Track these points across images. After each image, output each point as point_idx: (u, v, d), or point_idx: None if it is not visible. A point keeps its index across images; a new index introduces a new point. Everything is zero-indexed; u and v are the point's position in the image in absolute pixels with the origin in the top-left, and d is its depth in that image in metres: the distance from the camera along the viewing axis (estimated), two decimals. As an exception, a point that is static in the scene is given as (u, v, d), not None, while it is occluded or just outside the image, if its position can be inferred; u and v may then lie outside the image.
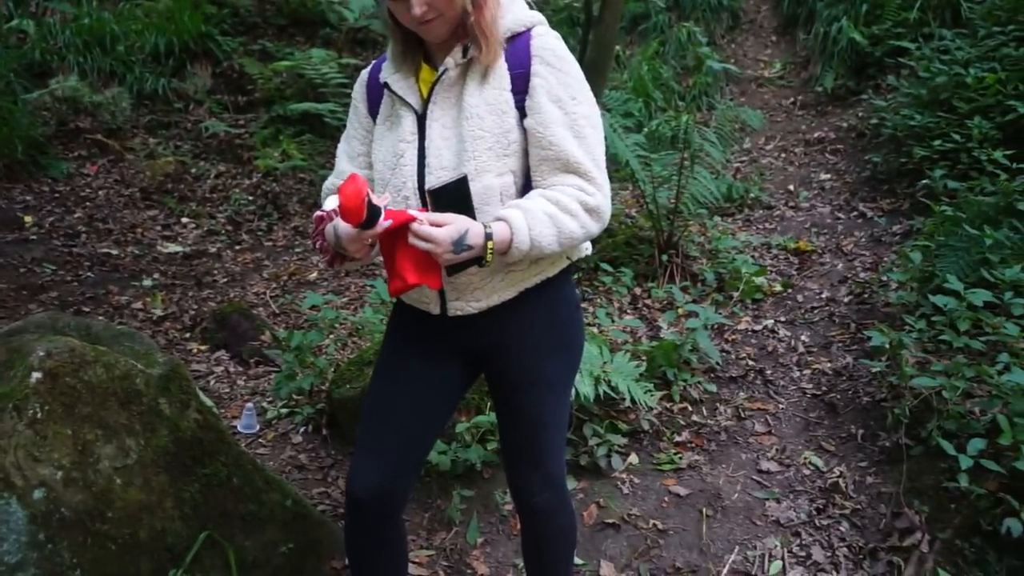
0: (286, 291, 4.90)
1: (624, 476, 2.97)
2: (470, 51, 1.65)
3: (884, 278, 4.00)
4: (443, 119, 1.69)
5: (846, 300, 3.98)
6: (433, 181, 1.64)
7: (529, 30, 1.68)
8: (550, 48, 1.66)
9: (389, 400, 1.90)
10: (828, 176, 5.51)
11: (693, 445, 3.13)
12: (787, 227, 4.97)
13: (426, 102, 1.71)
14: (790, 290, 4.21)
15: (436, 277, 1.61)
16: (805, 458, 2.98)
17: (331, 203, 1.77)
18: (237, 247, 5.56)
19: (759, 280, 4.21)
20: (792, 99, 6.85)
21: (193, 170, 6.28)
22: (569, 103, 1.65)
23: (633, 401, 3.09)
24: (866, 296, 3.92)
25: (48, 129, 6.18)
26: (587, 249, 1.89)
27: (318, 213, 1.74)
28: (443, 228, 1.53)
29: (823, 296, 4.07)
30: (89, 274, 4.88)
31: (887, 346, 2.96)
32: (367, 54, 7.79)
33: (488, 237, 1.56)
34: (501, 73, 1.66)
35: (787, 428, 3.17)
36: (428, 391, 1.88)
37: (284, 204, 6.08)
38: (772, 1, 8.15)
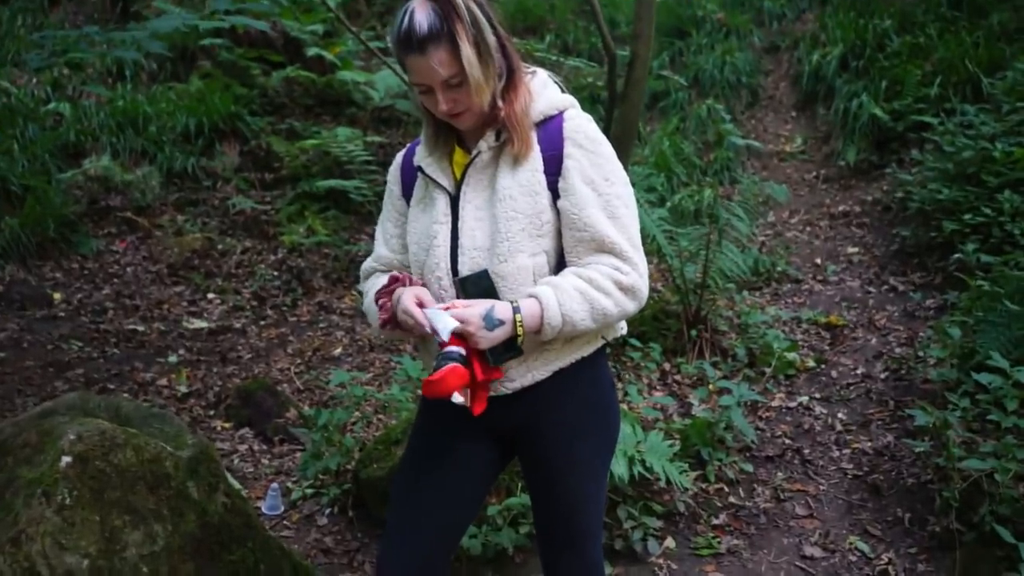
0: (310, 367, 4.87)
1: (661, 561, 2.87)
2: (503, 135, 1.66)
3: (921, 354, 3.92)
4: (476, 200, 1.70)
5: (882, 376, 3.89)
6: (466, 261, 1.65)
7: (562, 113, 1.70)
8: (582, 131, 1.67)
9: (420, 484, 1.85)
10: (855, 250, 5.47)
11: (732, 528, 3.02)
12: (816, 301, 4.91)
13: (459, 184, 1.72)
14: (823, 366, 4.13)
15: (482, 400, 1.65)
16: (851, 543, 2.86)
17: (380, 280, 1.82)
18: (262, 322, 5.56)
19: (791, 355, 4.13)
20: (815, 173, 6.87)
21: (220, 246, 6.34)
22: (602, 184, 1.66)
23: (667, 482, 3.00)
24: (903, 372, 3.83)
25: (80, 207, 6.29)
26: (622, 329, 1.86)
27: (393, 275, 1.76)
28: (470, 307, 1.55)
29: (858, 372, 3.98)
30: (115, 351, 4.88)
31: (932, 425, 2.87)
32: (391, 132, 7.94)
33: (516, 311, 1.57)
34: (534, 155, 1.67)
35: (829, 511, 3.06)
36: (460, 474, 1.83)
37: (309, 279, 6.11)
38: (790, 78, 8.25)
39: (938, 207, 4.76)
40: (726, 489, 3.24)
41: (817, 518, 3.02)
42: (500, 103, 1.65)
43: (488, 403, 1.66)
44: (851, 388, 3.86)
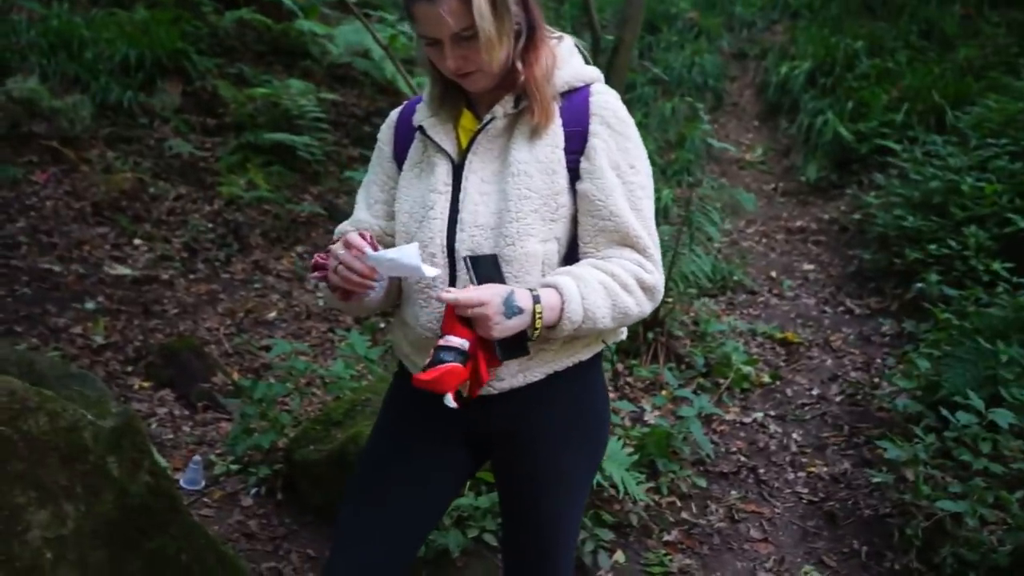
0: (242, 330, 4.55)
1: (610, 576, 2.71)
2: (523, 102, 1.45)
3: (877, 380, 3.87)
4: (483, 172, 1.49)
5: (838, 399, 3.82)
6: (465, 239, 1.45)
7: (588, 86, 1.51)
8: (611, 108, 1.49)
9: (380, 487, 1.64)
10: (811, 267, 5.43)
11: (684, 546, 2.89)
12: (772, 315, 4.84)
13: (465, 151, 1.51)
14: (778, 382, 4.05)
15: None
16: (805, 573, 2.75)
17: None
18: (191, 276, 5.18)
19: (747, 369, 4.03)
20: (774, 185, 6.84)
21: (151, 189, 5.90)
22: (628, 171, 1.48)
23: (618, 490, 2.85)
24: (859, 398, 3.77)
25: (-1, 130, 5.76)
26: (623, 333, 1.69)
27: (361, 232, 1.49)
28: (490, 289, 1.33)
29: (813, 392, 3.91)
30: (26, 290, 4.45)
31: (900, 459, 2.78)
32: (347, 91, 7.58)
33: (536, 300, 1.36)
34: (555, 129, 1.48)
35: (784, 536, 2.95)
36: (427, 479, 1.64)
37: (246, 235, 5.73)
38: (756, 87, 8.23)
39: (901, 234, 4.74)
40: (679, 503, 3.11)
41: (772, 542, 2.91)
42: (520, 65, 1.45)
43: (463, 402, 1.44)
44: (806, 408, 3.78)
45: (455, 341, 1.31)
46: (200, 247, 5.50)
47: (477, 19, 1.35)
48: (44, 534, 1.68)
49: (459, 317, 1.32)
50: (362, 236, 1.48)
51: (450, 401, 1.33)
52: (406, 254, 1.30)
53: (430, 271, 1.32)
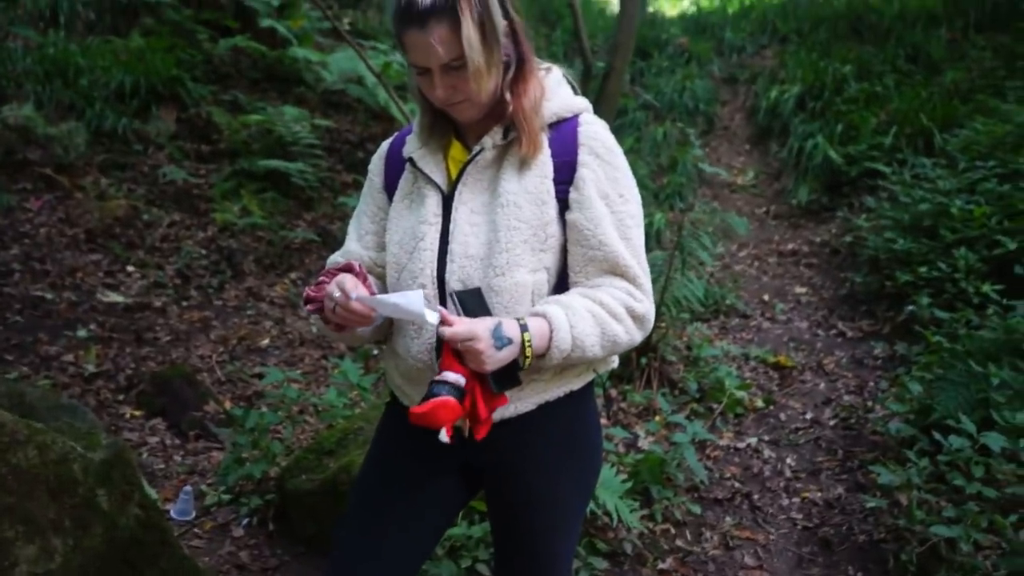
0: (234, 357, 4.54)
1: (604, 605, 2.69)
2: (511, 133, 1.46)
3: (870, 403, 3.87)
4: (472, 203, 1.50)
5: (831, 423, 3.82)
6: (455, 271, 1.45)
7: (576, 116, 1.53)
8: (600, 139, 1.51)
9: (373, 518, 1.63)
10: (803, 290, 5.45)
11: (679, 574, 2.87)
12: (764, 339, 4.84)
13: (455, 183, 1.52)
14: (772, 407, 4.04)
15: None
16: (800, 600, 2.74)
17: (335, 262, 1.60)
18: (184, 303, 5.18)
19: (740, 394, 4.03)
20: (765, 208, 6.87)
21: (145, 216, 5.90)
22: (616, 200, 1.49)
23: (612, 518, 2.84)
24: (852, 421, 3.77)
25: (-8, 157, 5.77)
26: (614, 362, 1.69)
27: (349, 262, 1.53)
28: (479, 322, 1.33)
29: (807, 417, 3.91)
30: (18, 318, 4.44)
31: (894, 484, 2.78)
32: (341, 117, 7.62)
33: (524, 329, 1.36)
34: (543, 160, 1.49)
35: (779, 563, 2.93)
36: (420, 510, 1.63)
37: (239, 262, 5.73)
38: (746, 111, 8.30)
39: (892, 256, 4.76)
40: (673, 530, 3.09)
41: (767, 569, 2.90)
42: (508, 96, 1.46)
43: (457, 434, 1.45)
44: (800, 433, 3.78)
45: (450, 376, 1.32)
46: (193, 274, 5.50)
47: (466, 49, 1.37)
48: (32, 569, 1.67)
49: (453, 353, 1.32)
50: (351, 267, 1.50)
51: (444, 436, 1.33)
52: (410, 300, 1.30)
53: (432, 317, 1.32)
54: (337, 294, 1.39)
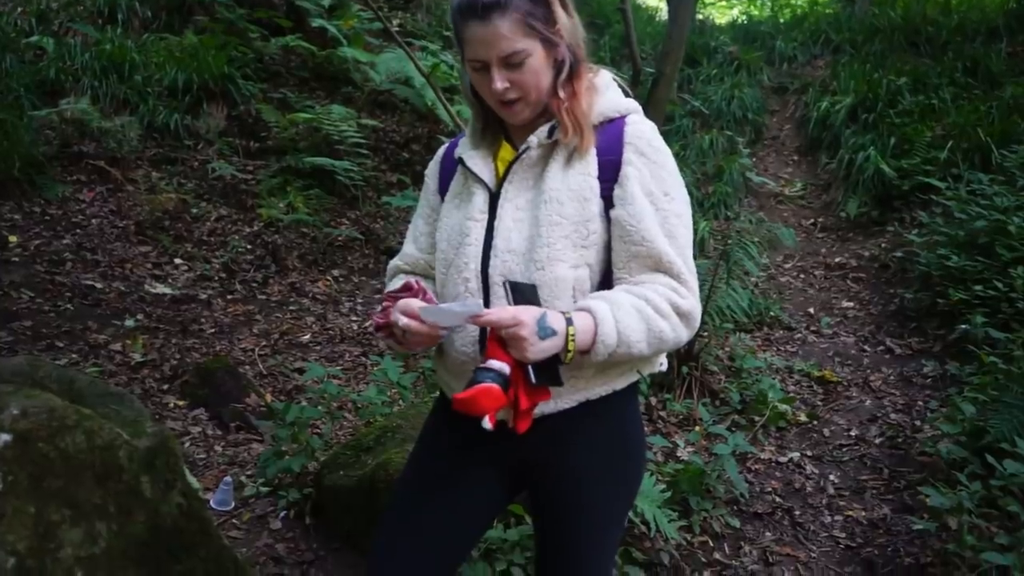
0: (276, 351, 4.58)
1: (640, 616, 2.65)
2: (556, 132, 1.46)
3: (917, 423, 3.78)
4: (517, 200, 1.51)
5: (877, 441, 3.73)
6: (497, 264, 1.47)
7: (624, 117, 1.52)
8: (646, 138, 1.50)
9: (415, 517, 1.63)
10: (851, 304, 5.34)
11: (716, 589, 2.82)
12: (809, 352, 4.75)
13: (501, 181, 1.53)
14: (815, 422, 3.96)
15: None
16: (842, 621, 2.67)
17: (395, 284, 1.65)
18: (229, 296, 5.25)
19: (783, 407, 3.95)
20: (812, 220, 6.75)
21: (193, 210, 6.01)
22: (661, 199, 1.47)
23: (652, 529, 2.79)
24: (899, 440, 3.67)
25: (50, 149, 5.91)
26: (663, 364, 1.66)
27: (408, 282, 1.57)
28: (524, 309, 1.32)
29: (852, 434, 3.82)
30: (68, 306, 4.53)
31: (944, 507, 2.70)
32: (387, 117, 7.67)
33: (569, 322, 1.34)
34: (589, 158, 1.49)
35: (820, 582, 2.87)
36: (463, 508, 1.63)
37: (284, 257, 5.80)
38: (796, 121, 8.17)
39: (945, 273, 4.64)
40: (711, 543, 3.03)
41: (807, 588, 2.84)
42: (561, 94, 1.47)
43: (504, 430, 1.43)
44: (844, 450, 3.69)
45: (495, 364, 1.31)
46: (239, 268, 5.57)
47: (526, 44, 1.39)
48: (77, 552, 1.68)
49: (498, 341, 1.32)
50: (410, 287, 1.52)
51: (487, 423, 1.31)
52: (469, 307, 1.32)
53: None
54: (403, 320, 1.40)
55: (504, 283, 1.42)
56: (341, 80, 7.87)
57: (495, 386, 1.29)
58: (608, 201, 1.46)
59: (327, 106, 7.08)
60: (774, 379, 4.22)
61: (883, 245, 5.96)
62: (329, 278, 5.75)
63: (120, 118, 6.37)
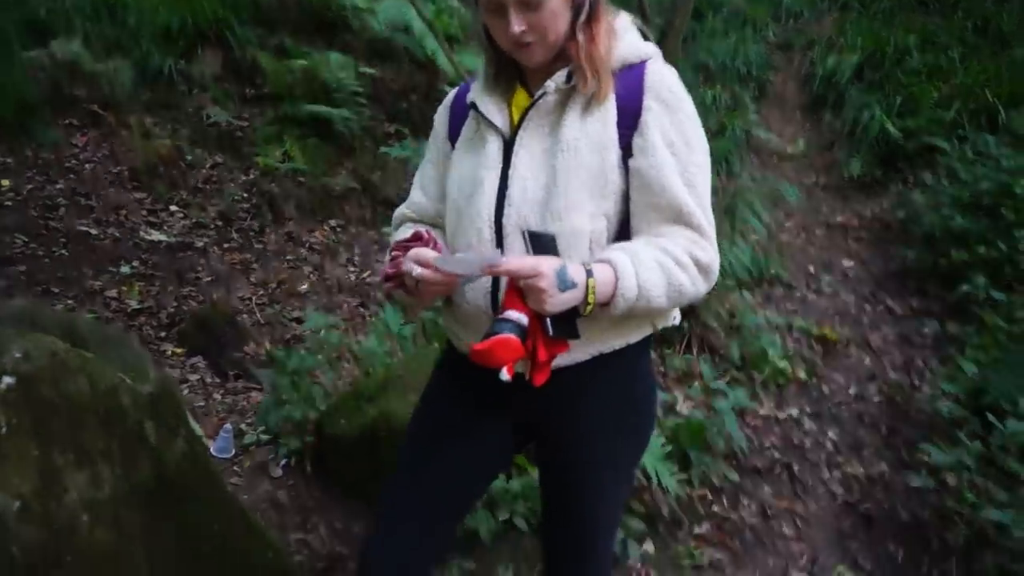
0: (274, 300, 4.55)
1: (639, 566, 2.67)
2: (575, 77, 1.40)
3: (916, 382, 3.79)
4: (533, 148, 1.46)
5: (876, 399, 3.74)
6: (512, 215, 1.42)
7: (644, 62, 1.46)
8: (667, 84, 1.44)
9: (425, 466, 1.62)
10: (851, 263, 5.32)
11: (715, 540, 2.84)
12: (809, 310, 4.74)
13: (516, 128, 1.47)
14: (814, 379, 3.96)
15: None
16: (839, 573, 2.69)
17: (404, 233, 1.60)
18: (225, 245, 5.19)
19: (783, 364, 3.95)
20: (815, 179, 6.69)
21: (188, 157, 5.91)
22: (682, 148, 1.43)
23: (652, 481, 2.81)
24: (897, 399, 3.68)
25: (42, 92, 5.78)
26: (676, 318, 1.63)
27: (417, 231, 1.53)
28: (545, 260, 1.28)
29: (851, 391, 3.83)
30: (63, 252, 4.48)
31: (944, 464, 2.71)
32: (386, 66, 7.51)
33: (589, 274, 1.31)
34: (607, 105, 1.43)
35: (818, 535, 2.90)
36: (473, 458, 1.64)
37: (280, 206, 5.73)
38: (800, 78, 8.04)
39: (948, 234, 4.61)
40: (710, 496, 3.05)
41: (805, 541, 2.86)
42: (580, 38, 1.41)
43: (515, 382, 1.40)
44: (843, 407, 3.70)
45: (513, 315, 1.28)
46: (235, 216, 5.50)
47: None
48: (82, 496, 1.67)
49: (516, 291, 1.29)
50: (420, 236, 1.48)
51: (505, 375, 1.29)
52: (487, 257, 1.28)
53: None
54: (417, 270, 1.35)
55: (523, 232, 1.38)
56: (340, 27, 7.69)
57: (513, 337, 1.26)
58: (627, 150, 1.42)
59: (325, 53, 6.93)
60: (773, 337, 4.21)
61: (885, 205, 5.92)
62: (326, 228, 5.69)
63: (113, 61, 6.22)
